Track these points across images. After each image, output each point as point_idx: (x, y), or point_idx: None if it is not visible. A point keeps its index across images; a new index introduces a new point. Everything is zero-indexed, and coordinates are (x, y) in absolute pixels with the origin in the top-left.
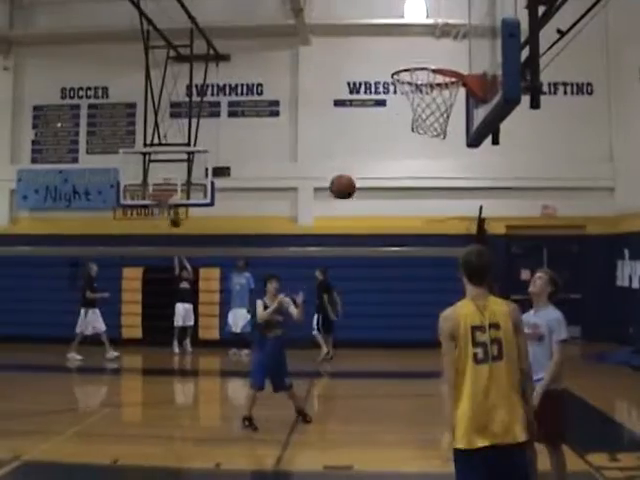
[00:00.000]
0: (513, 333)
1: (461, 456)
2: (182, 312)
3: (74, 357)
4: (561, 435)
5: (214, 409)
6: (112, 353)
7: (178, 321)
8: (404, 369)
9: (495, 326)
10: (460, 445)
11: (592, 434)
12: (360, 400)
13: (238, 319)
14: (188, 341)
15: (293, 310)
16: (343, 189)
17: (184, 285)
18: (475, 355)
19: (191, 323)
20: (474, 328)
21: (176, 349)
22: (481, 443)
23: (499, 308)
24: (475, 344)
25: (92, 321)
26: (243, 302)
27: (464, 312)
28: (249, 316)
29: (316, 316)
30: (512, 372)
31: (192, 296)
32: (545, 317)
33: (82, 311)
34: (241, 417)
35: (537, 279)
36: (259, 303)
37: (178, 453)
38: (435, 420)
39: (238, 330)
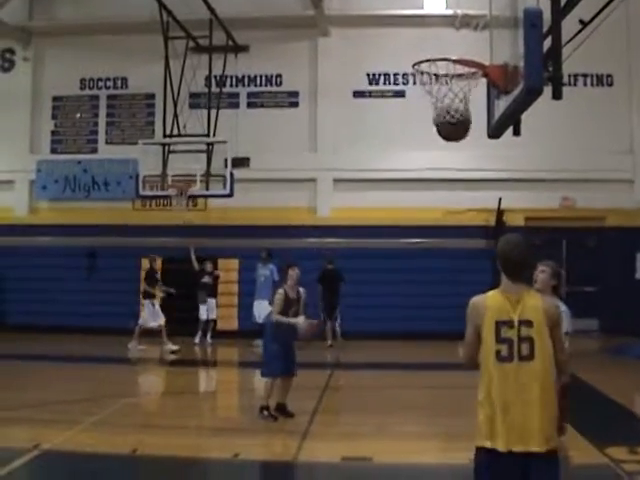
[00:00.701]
0: (548, 331)
1: (483, 456)
2: (206, 306)
3: (135, 347)
4: (561, 428)
5: (233, 399)
6: (171, 346)
7: (202, 315)
8: (422, 360)
9: (527, 323)
10: (481, 444)
11: (611, 427)
12: (377, 391)
13: (261, 310)
14: (209, 334)
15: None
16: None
17: (206, 279)
18: (498, 352)
19: (214, 316)
20: (499, 323)
21: (197, 339)
22: (503, 448)
23: (534, 303)
24: (499, 340)
25: (154, 313)
26: (267, 293)
27: (492, 303)
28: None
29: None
30: (546, 373)
31: (213, 289)
32: None
33: (146, 302)
34: (259, 407)
35: (540, 273)
36: (280, 292)
37: (196, 443)
38: (453, 412)
39: (261, 321)
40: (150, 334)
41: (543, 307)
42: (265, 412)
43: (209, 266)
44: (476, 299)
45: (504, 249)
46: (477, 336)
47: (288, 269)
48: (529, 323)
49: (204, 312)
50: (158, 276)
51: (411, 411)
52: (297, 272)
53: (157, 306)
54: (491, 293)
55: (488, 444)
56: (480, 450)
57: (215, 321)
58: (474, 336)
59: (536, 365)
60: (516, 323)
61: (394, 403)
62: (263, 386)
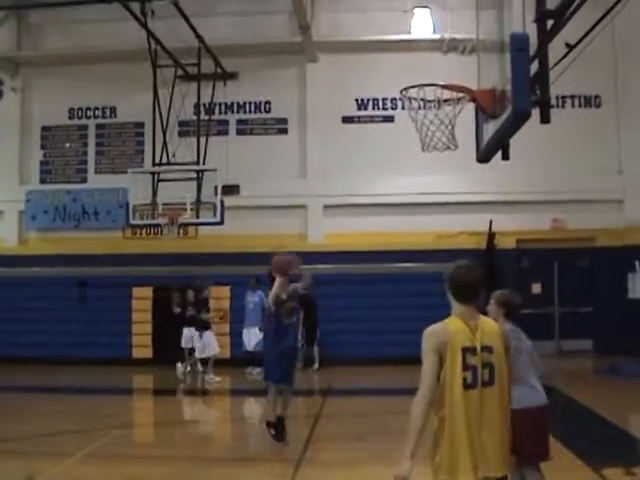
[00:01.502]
0: (504, 356)
1: None
2: (187, 335)
3: (213, 379)
4: (539, 454)
5: (226, 428)
6: (214, 377)
7: (183, 343)
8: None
9: (487, 349)
10: (446, 477)
11: (607, 448)
12: (372, 417)
13: (251, 338)
14: (197, 363)
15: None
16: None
17: (189, 312)
18: (464, 380)
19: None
20: (465, 349)
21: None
22: (472, 477)
23: (491, 329)
24: (465, 367)
25: (208, 343)
26: (256, 321)
27: (455, 330)
28: (261, 335)
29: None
30: (504, 398)
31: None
32: None
33: (197, 333)
34: (265, 422)
35: (490, 306)
36: (271, 294)
37: (189, 474)
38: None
39: (251, 349)
40: (141, 363)
41: (499, 332)
42: (272, 431)
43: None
44: (435, 327)
45: (456, 274)
46: (439, 365)
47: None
48: (489, 349)
49: (184, 341)
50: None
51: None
52: (281, 280)
53: (212, 335)
54: (450, 320)
55: (457, 476)
56: None
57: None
58: (437, 365)
59: (496, 390)
60: (478, 349)
61: (390, 428)
62: (267, 398)
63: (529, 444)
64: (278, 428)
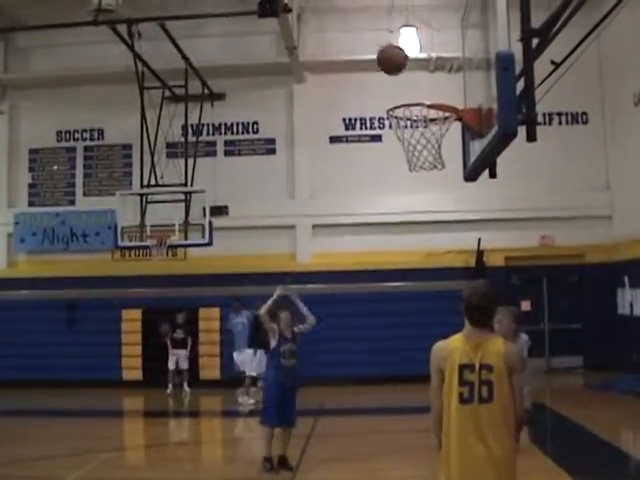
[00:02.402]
0: (507, 375)
1: None
2: (173, 357)
3: (246, 401)
4: None
5: (217, 450)
6: (251, 400)
7: (171, 365)
8: (407, 404)
9: (487, 367)
10: None
11: (598, 464)
12: (364, 437)
13: (245, 358)
14: (185, 384)
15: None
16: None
17: (177, 334)
18: (460, 394)
19: (185, 367)
20: (462, 366)
21: (168, 390)
22: None
23: (494, 348)
24: (461, 383)
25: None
26: (246, 341)
27: (454, 347)
28: (256, 357)
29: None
30: (506, 415)
31: (184, 342)
32: None
33: (251, 352)
34: (262, 458)
35: (497, 324)
36: (274, 326)
37: None
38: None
39: (253, 373)
40: (131, 385)
41: (504, 353)
42: (267, 464)
43: (180, 317)
44: (439, 344)
45: (467, 296)
46: (441, 381)
47: (279, 314)
48: (489, 367)
49: (172, 363)
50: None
51: (401, 455)
52: (287, 315)
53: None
54: (454, 337)
55: None
56: None
57: (188, 371)
58: (440, 384)
59: (495, 407)
60: (477, 367)
61: (383, 448)
62: (263, 435)
63: None
64: (281, 464)
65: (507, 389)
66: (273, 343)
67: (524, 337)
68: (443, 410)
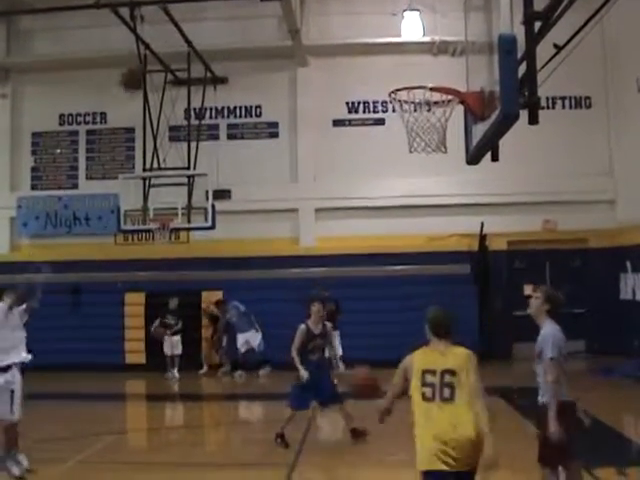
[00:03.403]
0: (466, 378)
1: (422, 476)
2: (169, 343)
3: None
4: (571, 454)
5: (220, 433)
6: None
7: (167, 350)
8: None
9: (449, 372)
10: (420, 467)
11: (599, 448)
12: (364, 421)
13: (250, 340)
14: (175, 369)
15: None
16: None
17: (169, 320)
18: (423, 394)
19: (178, 352)
20: (424, 371)
21: (169, 374)
22: (434, 467)
23: (455, 356)
24: (424, 384)
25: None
26: (251, 324)
27: (420, 356)
28: (260, 335)
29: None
30: (464, 413)
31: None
32: (541, 335)
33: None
34: (275, 433)
35: (533, 299)
36: (301, 327)
37: (183, 479)
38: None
39: (260, 348)
40: (134, 369)
41: (463, 358)
42: (279, 439)
43: (172, 303)
44: (409, 356)
45: (431, 316)
46: (404, 380)
47: (310, 305)
48: (451, 372)
49: (167, 348)
50: None
51: (400, 439)
52: (318, 307)
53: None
54: (421, 349)
55: (424, 466)
56: (421, 472)
57: (181, 356)
58: (401, 380)
59: (456, 406)
60: (439, 372)
61: (383, 432)
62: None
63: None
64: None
65: (467, 393)
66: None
67: (550, 326)
68: (413, 405)
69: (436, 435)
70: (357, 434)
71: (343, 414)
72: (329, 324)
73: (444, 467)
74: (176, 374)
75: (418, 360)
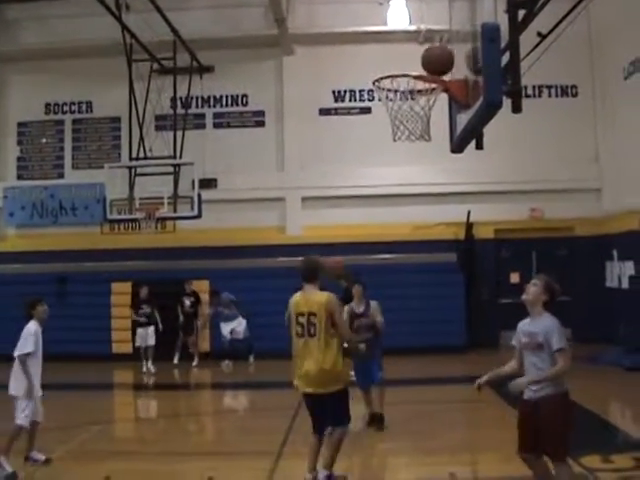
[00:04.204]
0: (326, 318)
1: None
2: (141, 334)
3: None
4: (567, 445)
5: (207, 422)
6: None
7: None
8: (394, 376)
9: (312, 314)
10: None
11: (585, 436)
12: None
13: (236, 329)
14: (149, 361)
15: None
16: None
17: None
18: (297, 331)
19: (152, 343)
20: (297, 314)
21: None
22: (302, 389)
23: (317, 299)
24: (297, 324)
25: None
26: (237, 313)
27: (294, 301)
28: (244, 321)
29: None
30: (324, 346)
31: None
32: (541, 326)
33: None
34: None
35: (531, 286)
36: (346, 309)
37: (170, 468)
38: (429, 428)
39: (241, 337)
40: (121, 358)
41: (322, 302)
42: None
43: (143, 292)
44: (291, 299)
45: (300, 264)
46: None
47: (352, 288)
48: (314, 314)
49: (140, 340)
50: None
51: (392, 427)
52: (358, 288)
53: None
54: (295, 295)
55: (299, 390)
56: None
57: (154, 347)
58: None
59: (316, 339)
60: (306, 313)
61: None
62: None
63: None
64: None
65: (324, 328)
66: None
67: (550, 317)
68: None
69: (301, 365)
70: (374, 420)
71: (373, 396)
72: (374, 302)
73: (307, 389)
74: (151, 367)
75: (293, 305)
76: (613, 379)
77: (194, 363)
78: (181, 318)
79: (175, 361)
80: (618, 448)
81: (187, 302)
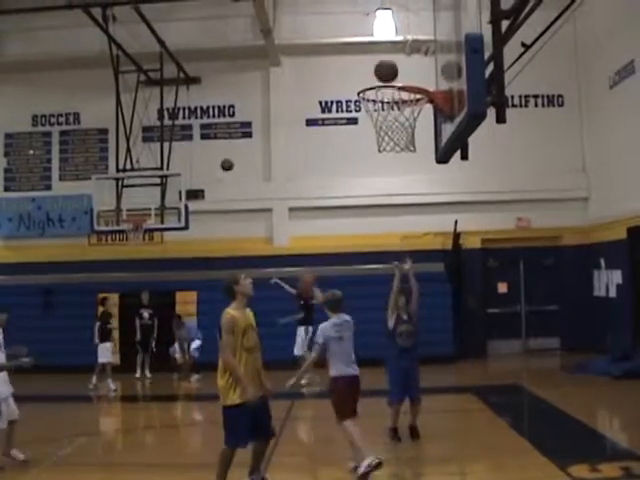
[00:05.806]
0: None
1: None
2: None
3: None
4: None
5: (194, 434)
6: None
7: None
8: (383, 387)
9: (252, 327)
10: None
11: (573, 445)
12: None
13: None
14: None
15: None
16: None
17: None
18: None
19: (106, 360)
20: (246, 326)
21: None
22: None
23: (251, 316)
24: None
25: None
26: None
27: (238, 316)
28: (198, 340)
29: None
30: (260, 356)
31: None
32: None
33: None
34: (387, 429)
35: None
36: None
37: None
38: (420, 437)
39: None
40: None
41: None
42: (392, 433)
43: (106, 302)
44: (230, 315)
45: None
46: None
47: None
48: (253, 327)
49: (102, 355)
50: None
51: (376, 437)
52: (402, 299)
53: None
54: (233, 312)
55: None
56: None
57: (109, 364)
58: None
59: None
60: (252, 327)
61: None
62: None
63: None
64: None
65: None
66: (391, 324)
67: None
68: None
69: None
70: (414, 433)
71: (413, 411)
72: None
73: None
74: (111, 385)
75: (238, 318)
76: (601, 388)
77: (193, 378)
78: (138, 333)
79: (138, 375)
80: (606, 457)
81: (145, 314)
